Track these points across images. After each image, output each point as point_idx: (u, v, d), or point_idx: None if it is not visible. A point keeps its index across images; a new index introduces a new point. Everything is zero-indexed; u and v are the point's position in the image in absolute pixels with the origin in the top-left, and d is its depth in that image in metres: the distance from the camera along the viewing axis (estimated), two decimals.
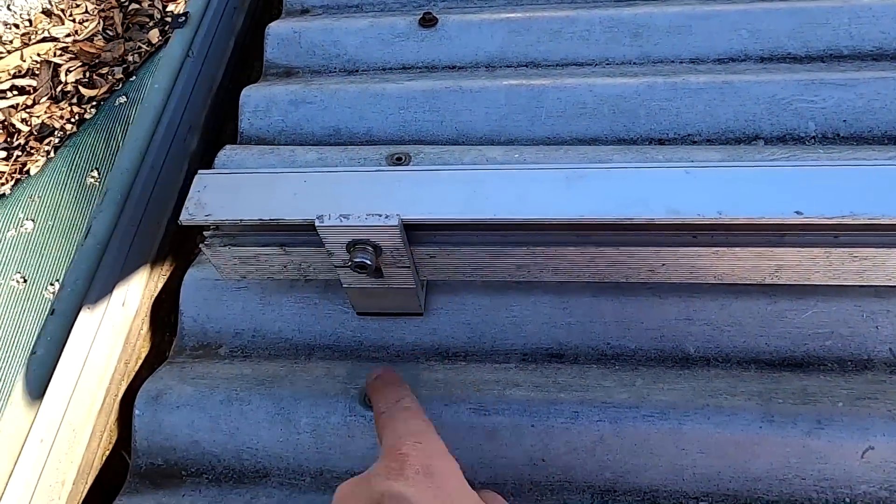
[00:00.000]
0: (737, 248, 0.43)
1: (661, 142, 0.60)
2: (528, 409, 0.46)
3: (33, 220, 1.20)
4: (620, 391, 0.46)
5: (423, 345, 0.52)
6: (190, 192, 0.46)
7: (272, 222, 0.44)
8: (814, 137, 0.58)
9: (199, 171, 0.47)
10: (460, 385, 0.48)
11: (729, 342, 0.49)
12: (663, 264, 0.45)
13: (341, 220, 0.43)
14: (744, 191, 0.42)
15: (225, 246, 0.47)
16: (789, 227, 0.42)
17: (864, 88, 0.58)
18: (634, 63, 0.65)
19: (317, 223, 0.43)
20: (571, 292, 0.51)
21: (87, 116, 1.34)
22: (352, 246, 0.44)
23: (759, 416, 0.44)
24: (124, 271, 0.61)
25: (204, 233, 0.48)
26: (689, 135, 0.60)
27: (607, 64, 0.66)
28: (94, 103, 1.36)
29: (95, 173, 1.25)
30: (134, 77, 1.38)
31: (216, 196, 0.46)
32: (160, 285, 0.65)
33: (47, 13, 1.50)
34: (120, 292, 0.60)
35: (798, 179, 0.42)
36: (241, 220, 0.45)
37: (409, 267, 0.46)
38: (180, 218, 0.45)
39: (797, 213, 0.41)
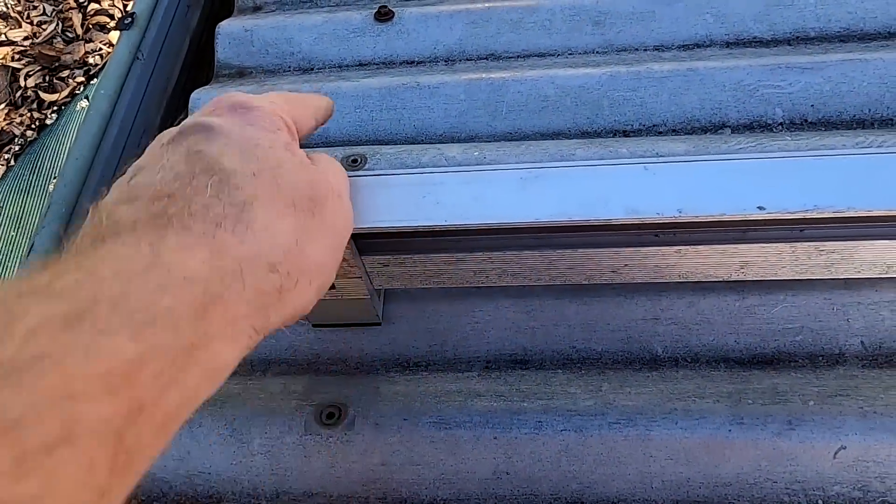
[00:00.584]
0: (700, 246, 0.41)
1: (625, 133, 0.58)
2: (491, 421, 0.44)
3: None
4: (586, 398, 0.45)
5: (383, 355, 0.50)
6: None
7: None
8: (781, 124, 0.56)
9: None
10: (420, 397, 0.46)
11: (697, 341, 0.48)
12: (626, 265, 0.44)
13: None
14: (705, 186, 0.40)
15: None
16: (752, 223, 0.40)
17: (832, 71, 0.56)
18: (597, 52, 0.63)
19: None
20: (535, 295, 0.50)
21: (48, 122, 1.30)
22: None
23: (728, 419, 0.42)
24: None
25: None
26: (654, 125, 0.58)
27: (569, 54, 0.64)
28: (55, 108, 1.32)
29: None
30: (95, 80, 1.34)
31: None
32: None
33: (3, 16, 1.45)
34: None
35: (760, 172, 0.40)
36: None
37: (360, 277, 0.44)
38: None
39: (759, 208, 0.39)
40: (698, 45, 0.62)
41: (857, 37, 0.60)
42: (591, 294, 0.49)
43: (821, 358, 0.46)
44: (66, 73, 1.37)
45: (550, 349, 0.49)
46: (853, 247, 0.41)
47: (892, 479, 0.41)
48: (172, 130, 0.31)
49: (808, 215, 0.38)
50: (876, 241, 0.40)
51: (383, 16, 0.67)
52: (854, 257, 0.42)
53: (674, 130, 0.58)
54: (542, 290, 0.50)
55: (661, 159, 0.41)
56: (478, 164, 0.54)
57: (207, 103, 0.33)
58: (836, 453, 0.41)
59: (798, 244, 0.41)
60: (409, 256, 0.43)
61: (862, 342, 0.46)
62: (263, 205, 0.28)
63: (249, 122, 0.31)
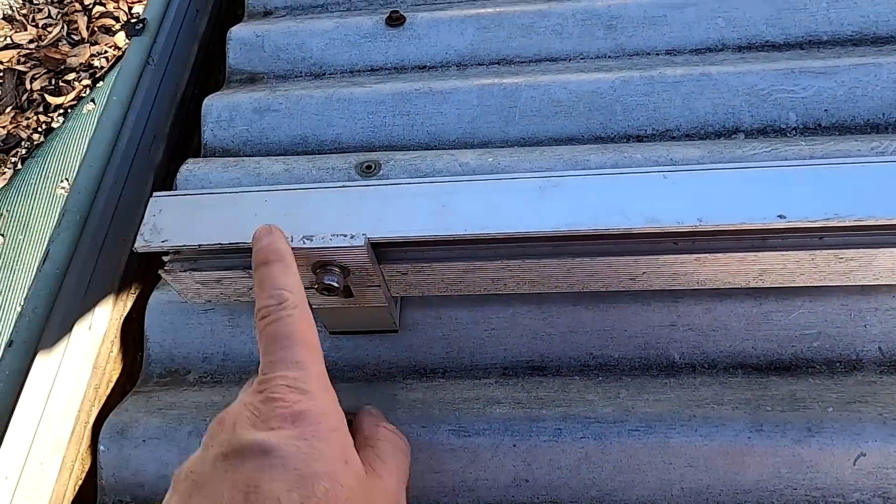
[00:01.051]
0: (719, 254, 0.41)
1: (639, 138, 0.58)
2: (510, 428, 0.44)
3: (3, 235, 1.16)
4: (604, 404, 0.45)
5: (400, 362, 0.50)
6: (145, 216, 0.44)
7: (233, 246, 0.42)
8: (795, 129, 0.56)
9: (154, 194, 0.45)
10: (439, 404, 0.46)
11: (715, 347, 0.48)
12: (644, 272, 0.44)
13: (304, 242, 0.40)
14: (724, 195, 0.40)
15: (186, 271, 0.45)
16: (772, 231, 0.40)
17: (845, 76, 0.56)
18: (609, 56, 0.63)
19: None
20: (552, 302, 0.50)
21: (54, 125, 1.30)
22: (318, 267, 0.42)
23: (747, 426, 0.42)
24: (89, 294, 0.59)
25: (164, 258, 0.46)
26: (667, 130, 0.58)
27: (581, 59, 0.64)
28: (62, 111, 1.32)
29: (65, 184, 1.22)
30: (101, 83, 1.34)
31: (173, 220, 0.44)
32: (129, 304, 0.62)
33: (9, 19, 1.45)
34: (85, 316, 0.57)
35: (780, 180, 0.40)
36: (199, 244, 0.42)
37: (379, 286, 0.44)
38: (135, 245, 0.43)
39: (780, 216, 0.39)
40: (710, 50, 0.62)
41: (870, 40, 0.60)
42: (608, 300, 0.49)
43: (839, 364, 0.46)
44: (71, 76, 1.37)
45: (567, 356, 0.49)
46: (872, 254, 0.41)
47: None
48: (230, 437, 0.30)
49: (829, 224, 0.39)
50: (895, 249, 0.40)
51: (394, 21, 0.67)
52: (873, 264, 0.42)
53: (687, 135, 0.58)
54: (558, 297, 0.50)
55: (680, 168, 0.41)
56: (492, 171, 0.54)
57: (266, 388, 0.32)
58: (855, 460, 0.41)
59: (817, 252, 0.41)
60: (426, 265, 0.43)
61: (879, 348, 0.46)
62: None
63: (307, 437, 0.31)
